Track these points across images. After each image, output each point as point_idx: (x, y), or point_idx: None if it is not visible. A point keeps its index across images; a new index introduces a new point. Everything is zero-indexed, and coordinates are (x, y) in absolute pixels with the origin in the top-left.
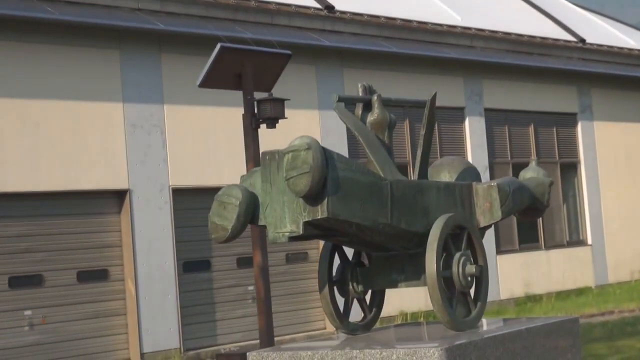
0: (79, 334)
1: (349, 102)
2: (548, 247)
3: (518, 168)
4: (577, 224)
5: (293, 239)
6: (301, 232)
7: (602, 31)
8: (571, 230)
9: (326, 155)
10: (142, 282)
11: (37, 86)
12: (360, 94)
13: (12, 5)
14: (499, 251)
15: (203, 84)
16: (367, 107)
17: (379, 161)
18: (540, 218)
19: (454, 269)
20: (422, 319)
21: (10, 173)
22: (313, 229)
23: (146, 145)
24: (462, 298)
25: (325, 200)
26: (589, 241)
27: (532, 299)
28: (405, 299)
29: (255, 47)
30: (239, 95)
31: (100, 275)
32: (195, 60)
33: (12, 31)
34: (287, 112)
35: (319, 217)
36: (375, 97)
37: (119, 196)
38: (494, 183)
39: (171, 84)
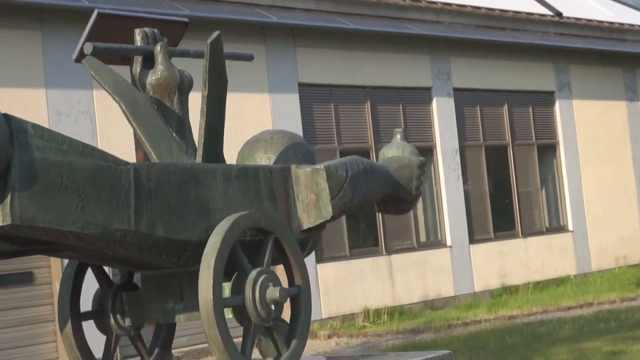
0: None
1: (112, 53)
2: (526, 234)
3: (491, 151)
4: (557, 209)
5: None
6: None
7: (578, 3)
8: (551, 216)
9: (11, 128)
10: None
11: None
12: (140, 43)
13: None
14: (473, 240)
15: (80, 59)
16: (150, 62)
17: (150, 137)
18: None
19: (248, 293)
20: (385, 316)
21: None
22: (2, 242)
23: (74, 134)
24: (266, 335)
25: (9, 198)
26: (570, 227)
27: (508, 291)
28: (371, 294)
29: (141, 14)
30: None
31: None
32: None
33: None
34: (235, 95)
35: (0, 225)
36: (158, 48)
37: None
38: (321, 166)
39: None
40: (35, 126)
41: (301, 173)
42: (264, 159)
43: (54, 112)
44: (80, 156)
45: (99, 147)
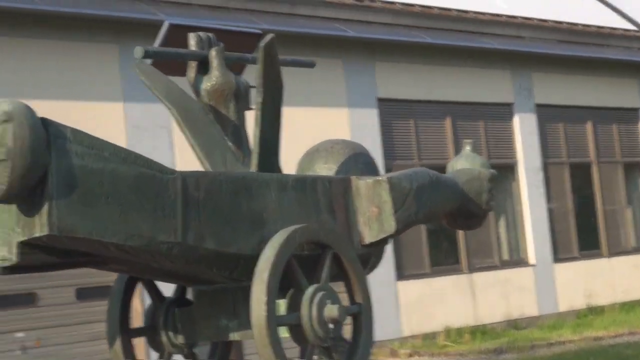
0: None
1: (165, 58)
2: (611, 253)
3: (575, 169)
4: None
5: (9, 270)
6: (15, 260)
7: None
8: (637, 235)
9: (49, 133)
10: None
11: (25, 85)
12: (194, 48)
13: None
14: (557, 259)
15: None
16: (205, 67)
17: (202, 145)
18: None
19: (304, 311)
20: (467, 335)
21: None
22: (41, 254)
23: (152, 147)
24: (325, 355)
25: (46, 207)
26: None
27: (593, 311)
28: (452, 312)
29: (214, 25)
30: None
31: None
32: None
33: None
34: (312, 110)
35: (36, 235)
36: (213, 53)
37: None
38: (384, 177)
39: (178, 79)
40: (75, 131)
41: (362, 184)
42: (324, 169)
43: (132, 126)
44: (123, 164)
45: (177, 161)
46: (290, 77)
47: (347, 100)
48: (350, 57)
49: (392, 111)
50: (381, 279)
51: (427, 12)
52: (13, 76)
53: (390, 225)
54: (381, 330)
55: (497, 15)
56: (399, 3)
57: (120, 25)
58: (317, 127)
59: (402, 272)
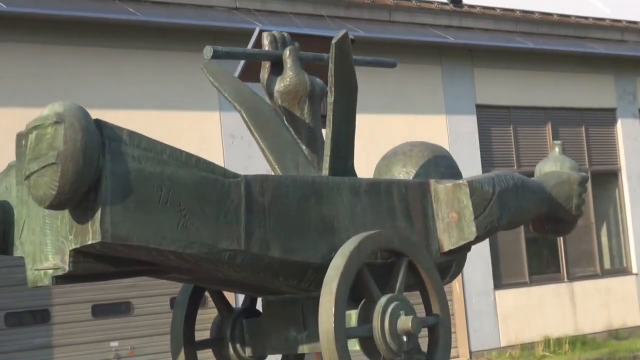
0: None
1: (235, 58)
2: None
3: None
4: None
5: (62, 279)
6: (68, 269)
7: None
8: None
9: (103, 135)
10: None
11: (121, 95)
12: (268, 48)
13: (100, 8)
14: None
15: (243, 76)
16: (279, 67)
17: (273, 149)
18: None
19: (376, 323)
20: (567, 345)
21: None
22: (96, 262)
23: (246, 156)
24: None
25: (99, 214)
26: None
27: None
28: (551, 322)
29: (303, 31)
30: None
31: None
32: None
33: (91, 34)
34: (410, 116)
35: (89, 243)
36: (287, 52)
37: None
38: (463, 181)
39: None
40: (132, 133)
41: (441, 189)
42: (402, 173)
43: (228, 135)
44: (183, 167)
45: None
46: (388, 83)
47: (446, 107)
48: (449, 63)
49: (491, 117)
50: (479, 288)
51: (528, 17)
52: (109, 86)
53: (471, 232)
54: (479, 340)
55: (600, 19)
56: (499, 8)
57: (216, 35)
58: (414, 133)
59: (500, 281)
